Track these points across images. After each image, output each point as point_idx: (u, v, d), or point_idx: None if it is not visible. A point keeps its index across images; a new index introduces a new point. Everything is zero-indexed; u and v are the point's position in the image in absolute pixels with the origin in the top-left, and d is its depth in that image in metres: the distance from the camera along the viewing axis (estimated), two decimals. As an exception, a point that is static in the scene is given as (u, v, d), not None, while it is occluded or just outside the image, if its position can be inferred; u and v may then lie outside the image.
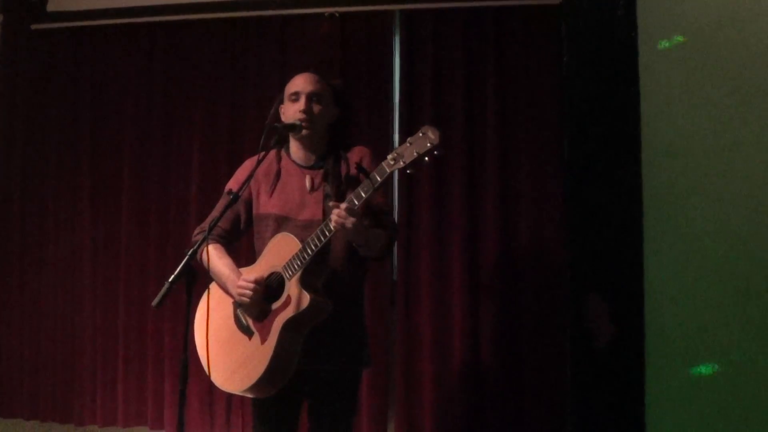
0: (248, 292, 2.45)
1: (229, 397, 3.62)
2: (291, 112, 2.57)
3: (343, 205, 2.31)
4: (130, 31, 3.98)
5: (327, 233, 2.36)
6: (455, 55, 3.61)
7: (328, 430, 2.55)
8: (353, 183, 2.46)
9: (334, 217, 2.32)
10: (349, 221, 2.30)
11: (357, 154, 2.59)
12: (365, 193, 2.31)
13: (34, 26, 4.06)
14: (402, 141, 2.41)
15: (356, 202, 2.32)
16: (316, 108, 2.56)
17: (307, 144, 2.60)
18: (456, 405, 3.44)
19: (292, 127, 2.55)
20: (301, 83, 2.59)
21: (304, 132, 2.55)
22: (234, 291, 2.50)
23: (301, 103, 2.55)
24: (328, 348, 2.50)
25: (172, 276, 2.17)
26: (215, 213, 2.59)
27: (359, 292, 2.64)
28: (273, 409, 2.61)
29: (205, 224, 2.58)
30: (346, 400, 2.59)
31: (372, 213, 2.53)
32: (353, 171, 2.55)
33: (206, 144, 3.83)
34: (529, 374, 3.40)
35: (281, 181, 2.61)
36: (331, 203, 2.39)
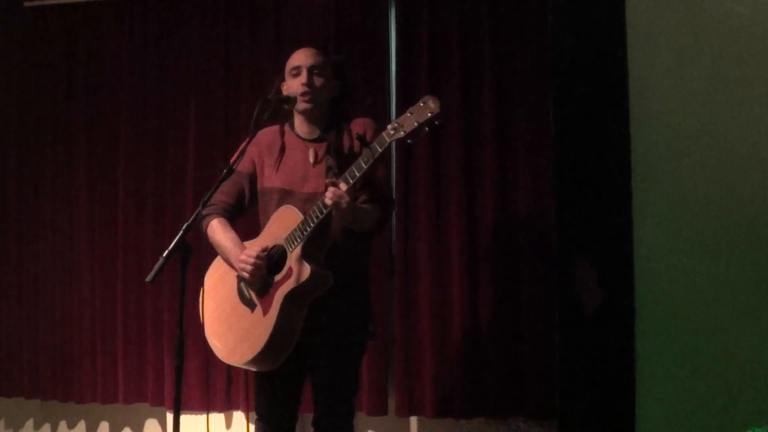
0: (249, 266, 2.46)
1: (230, 373, 3.64)
2: (294, 86, 2.57)
3: (342, 186, 2.32)
4: (123, 7, 3.93)
5: (324, 209, 2.36)
6: (451, 25, 3.57)
7: (331, 407, 2.57)
8: (356, 155, 2.47)
9: (329, 194, 2.33)
10: (344, 201, 2.32)
11: (359, 126, 2.59)
12: (365, 164, 2.31)
13: (27, 3, 4.00)
14: (399, 113, 2.42)
15: (351, 181, 2.33)
16: (318, 81, 2.57)
17: (310, 117, 2.60)
18: (456, 377, 3.45)
19: (287, 100, 2.56)
20: (301, 57, 2.59)
21: (307, 105, 2.56)
22: (237, 264, 2.51)
23: (303, 77, 2.55)
24: (333, 321, 2.52)
25: (167, 251, 2.19)
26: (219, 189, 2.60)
27: (363, 264, 2.65)
28: (276, 383, 2.63)
29: (212, 199, 2.59)
30: (349, 375, 2.61)
31: (370, 185, 2.54)
32: (356, 143, 2.56)
33: (202, 120, 3.80)
34: (528, 345, 3.40)
35: (285, 155, 2.61)
36: (327, 181, 2.40)
